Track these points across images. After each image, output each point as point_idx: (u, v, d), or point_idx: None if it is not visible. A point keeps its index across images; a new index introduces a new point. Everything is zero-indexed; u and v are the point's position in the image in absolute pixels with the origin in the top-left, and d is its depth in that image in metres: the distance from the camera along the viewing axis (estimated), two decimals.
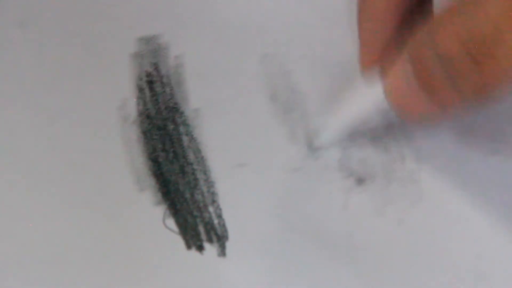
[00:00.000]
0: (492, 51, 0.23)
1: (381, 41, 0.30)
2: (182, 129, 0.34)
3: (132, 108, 0.35)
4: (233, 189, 0.33)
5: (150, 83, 0.35)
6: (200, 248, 0.32)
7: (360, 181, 0.33)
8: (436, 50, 0.25)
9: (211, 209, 0.32)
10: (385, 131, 0.34)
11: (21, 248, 0.32)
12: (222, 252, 0.32)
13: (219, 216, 0.32)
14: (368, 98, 0.31)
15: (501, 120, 0.34)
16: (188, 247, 0.32)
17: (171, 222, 0.32)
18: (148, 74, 0.35)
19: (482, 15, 0.23)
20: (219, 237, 0.32)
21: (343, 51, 0.35)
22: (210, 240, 0.32)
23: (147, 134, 0.34)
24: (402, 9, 0.29)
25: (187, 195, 0.33)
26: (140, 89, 0.35)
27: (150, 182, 0.33)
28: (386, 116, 0.32)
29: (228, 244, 0.32)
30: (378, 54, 0.30)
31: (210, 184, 0.33)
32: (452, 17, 0.24)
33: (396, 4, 0.29)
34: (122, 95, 0.35)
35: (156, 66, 0.36)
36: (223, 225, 0.32)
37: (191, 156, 0.33)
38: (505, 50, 0.23)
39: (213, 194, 0.33)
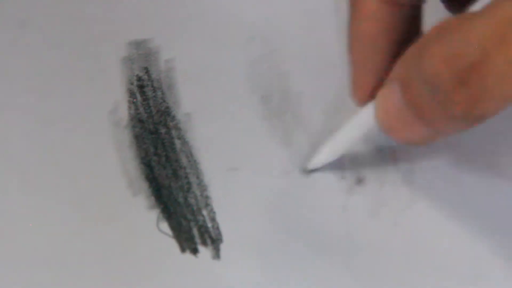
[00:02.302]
0: (479, 72, 0.22)
1: (374, 71, 0.29)
2: (174, 133, 0.34)
3: (123, 112, 0.35)
4: (227, 192, 0.33)
5: (141, 87, 0.35)
6: (195, 251, 0.32)
7: (353, 183, 0.33)
8: (423, 72, 0.24)
9: (204, 212, 0.32)
10: (379, 132, 0.34)
11: (15, 253, 0.32)
12: (217, 254, 0.32)
13: (213, 219, 0.32)
14: (358, 120, 0.30)
15: (499, 120, 0.34)
16: (182, 250, 0.32)
17: (165, 226, 0.32)
18: (139, 78, 0.35)
19: (469, 36, 0.22)
20: (213, 240, 0.32)
21: (335, 53, 0.35)
22: (204, 243, 0.32)
23: (139, 138, 0.34)
24: (394, 36, 0.28)
25: (181, 199, 0.33)
26: (131, 93, 0.35)
27: (143, 186, 0.33)
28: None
29: (223, 247, 0.32)
30: (371, 85, 0.30)
31: (203, 187, 0.33)
32: (439, 38, 0.23)
33: (389, 30, 0.28)
34: (113, 99, 0.35)
35: (147, 70, 0.36)
36: (217, 228, 0.32)
37: (183, 160, 0.33)
38: (492, 70, 0.22)
39: (207, 197, 0.33)
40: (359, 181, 0.33)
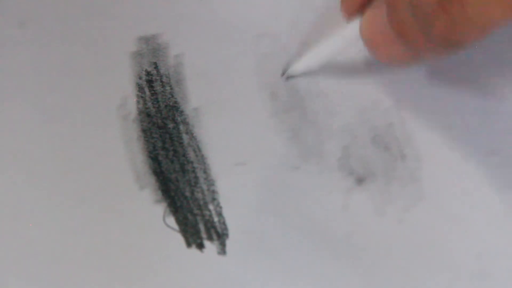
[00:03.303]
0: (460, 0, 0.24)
1: None
2: (182, 127, 0.34)
3: (132, 106, 0.35)
4: (233, 188, 0.33)
5: (150, 82, 0.35)
6: (200, 246, 0.32)
7: (360, 180, 0.33)
8: None
9: (211, 207, 0.32)
10: (386, 129, 0.34)
11: (21, 248, 0.32)
12: (222, 250, 0.32)
13: (219, 214, 0.32)
14: (343, 33, 0.32)
15: (501, 120, 0.34)
16: (188, 245, 0.32)
17: (171, 220, 0.32)
18: (148, 73, 0.35)
19: None
20: (219, 235, 0.32)
21: (343, 50, 0.35)
22: (210, 238, 0.32)
23: (147, 133, 0.34)
24: None
25: (187, 193, 0.33)
26: (140, 88, 0.35)
27: (150, 180, 0.33)
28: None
29: (228, 242, 0.32)
30: (359, 1, 0.31)
31: (210, 182, 0.33)
32: None
33: None
34: (122, 94, 0.35)
35: (156, 65, 0.36)
36: (223, 223, 0.32)
37: (191, 155, 0.33)
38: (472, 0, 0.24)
39: (213, 192, 0.33)
40: (360, 180, 0.33)
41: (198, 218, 0.32)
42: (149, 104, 0.35)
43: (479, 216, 0.32)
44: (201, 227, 0.32)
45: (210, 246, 0.32)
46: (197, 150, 0.34)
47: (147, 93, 0.35)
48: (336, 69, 0.35)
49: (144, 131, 0.34)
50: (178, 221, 0.32)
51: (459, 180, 0.33)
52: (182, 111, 0.35)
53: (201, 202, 0.32)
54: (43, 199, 0.33)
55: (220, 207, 0.32)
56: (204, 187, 0.33)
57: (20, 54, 0.36)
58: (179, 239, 0.32)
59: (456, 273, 0.31)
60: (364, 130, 0.34)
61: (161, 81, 0.35)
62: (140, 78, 0.35)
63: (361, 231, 0.32)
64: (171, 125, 0.34)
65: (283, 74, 0.35)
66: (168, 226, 0.32)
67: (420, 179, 0.33)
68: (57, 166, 0.33)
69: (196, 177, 0.33)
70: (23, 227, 0.32)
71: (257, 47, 0.36)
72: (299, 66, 0.35)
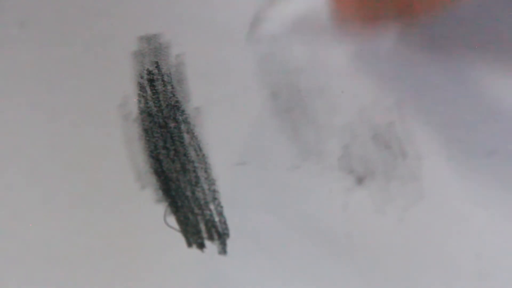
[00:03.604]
0: None
1: None
2: (183, 127, 0.34)
3: (133, 106, 0.35)
4: (234, 187, 0.33)
5: (151, 81, 0.35)
6: (201, 245, 0.32)
7: (360, 179, 0.33)
8: None
9: (212, 206, 0.32)
10: (386, 128, 0.34)
11: (21, 248, 0.32)
12: (223, 250, 0.32)
13: (220, 214, 0.32)
14: None
15: (501, 120, 0.34)
16: (189, 244, 0.32)
17: (172, 220, 0.32)
18: (149, 72, 0.36)
19: None
20: (220, 235, 0.32)
21: (344, 50, 0.35)
22: (211, 238, 0.32)
23: (148, 132, 0.34)
24: None
25: (188, 193, 0.33)
26: (141, 87, 0.35)
27: (151, 179, 0.33)
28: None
29: (229, 242, 0.32)
30: None
31: (211, 181, 0.33)
32: None
33: None
34: (123, 93, 0.35)
35: (157, 65, 0.36)
36: (224, 223, 0.32)
37: (192, 154, 0.34)
38: None
39: (214, 191, 0.33)
40: (360, 179, 0.33)
41: (199, 217, 0.32)
42: (151, 103, 0.35)
43: (479, 216, 0.32)
44: (202, 226, 0.32)
45: (211, 246, 0.32)
46: (198, 149, 0.34)
47: (149, 92, 0.35)
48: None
49: (145, 130, 0.34)
50: (179, 221, 0.32)
51: (459, 179, 0.33)
52: (183, 111, 0.35)
53: (202, 202, 0.33)
54: (43, 199, 0.33)
55: (221, 207, 0.32)
56: (205, 186, 0.33)
57: (20, 54, 0.36)
58: (180, 238, 0.32)
59: (456, 273, 0.31)
60: (364, 129, 0.34)
61: (163, 80, 0.35)
62: (142, 77, 0.35)
63: (361, 230, 0.32)
64: (172, 125, 0.34)
65: (248, 37, 0.35)
66: (168, 225, 0.32)
67: (420, 178, 0.33)
68: (57, 165, 0.34)
69: (197, 177, 0.33)
70: (23, 227, 0.32)
71: (258, 47, 0.36)
72: (265, 30, 0.35)
